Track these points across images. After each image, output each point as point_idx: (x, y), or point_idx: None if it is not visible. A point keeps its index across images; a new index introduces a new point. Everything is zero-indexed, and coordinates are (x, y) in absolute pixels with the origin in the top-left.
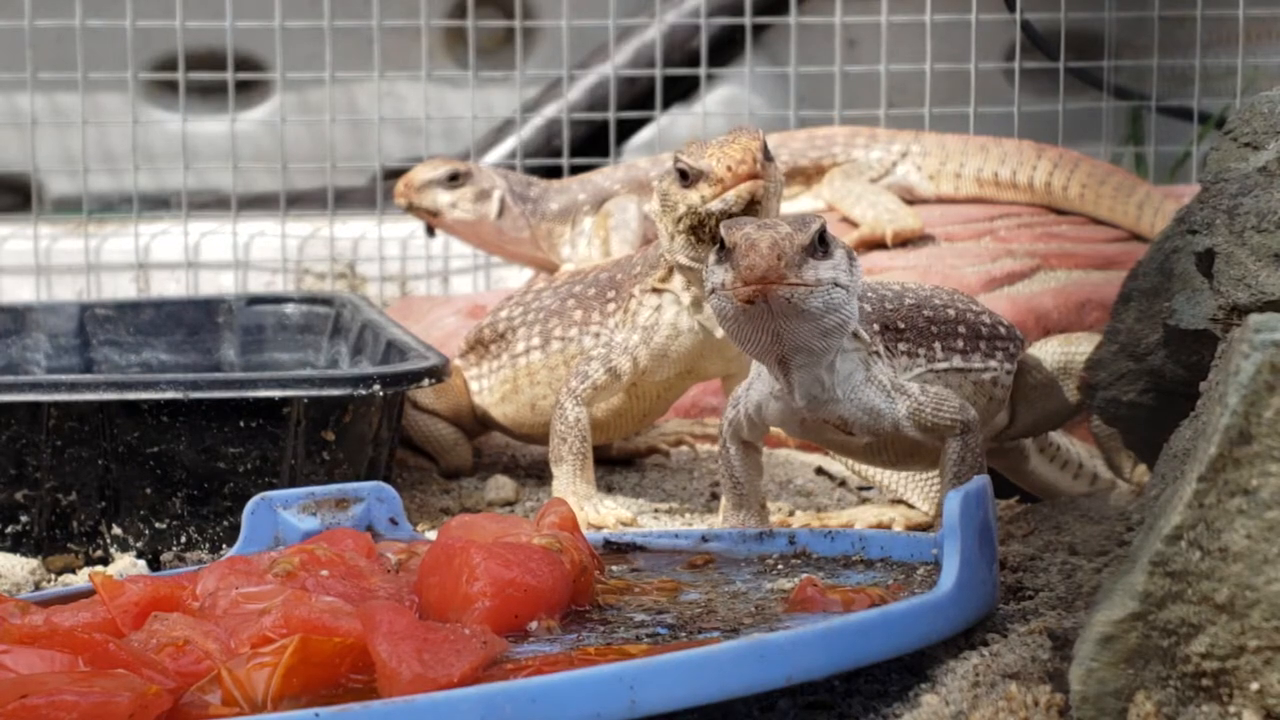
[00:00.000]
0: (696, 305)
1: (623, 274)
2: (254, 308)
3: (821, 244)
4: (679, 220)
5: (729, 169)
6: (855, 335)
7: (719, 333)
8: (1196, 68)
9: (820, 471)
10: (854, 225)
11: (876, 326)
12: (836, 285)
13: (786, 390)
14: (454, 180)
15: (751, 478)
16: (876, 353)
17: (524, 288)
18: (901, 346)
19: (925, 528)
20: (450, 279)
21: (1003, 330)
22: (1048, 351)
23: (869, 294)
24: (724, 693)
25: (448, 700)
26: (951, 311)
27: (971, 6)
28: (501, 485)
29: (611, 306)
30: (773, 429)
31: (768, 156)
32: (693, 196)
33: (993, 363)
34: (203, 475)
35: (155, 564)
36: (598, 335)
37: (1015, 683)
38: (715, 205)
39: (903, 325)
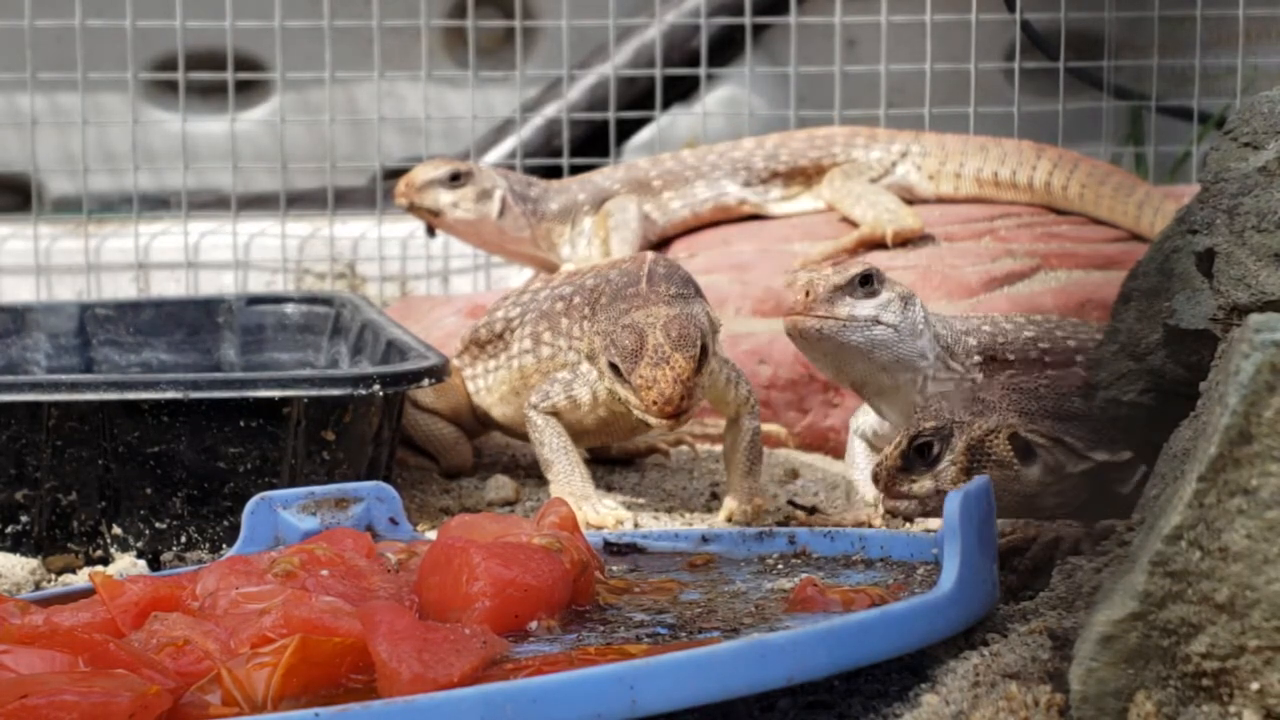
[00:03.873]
0: None
1: (596, 289)
2: (254, 308)
3: (864, 285)
4: (611, 393)
5: (655, 403)
6: (947, 366)
7: None
8: (1196, 68)
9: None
10: (854, 225)
11: (978, 358)
12: (878, 323)
13: (879, 415)
14: (455, 180)
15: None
16: (973, 380)
17: (521, 288)
18: (1009, 373)
19: None
20: (450, 279)
21: None
22: None
23: (984, 327)
24: (725, 693)
25: (448, 700)
26: (1073, 343)
27: (971, 6)
28: (501, 485)
29: (587, 324)
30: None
31: (702, 363)
32: (621, 391)
33: None
34: (203, 475)
35: (155, 564)
36: (576, 352)
37: (1015, 682)
38: (638, 415)
39: (1011, 357)
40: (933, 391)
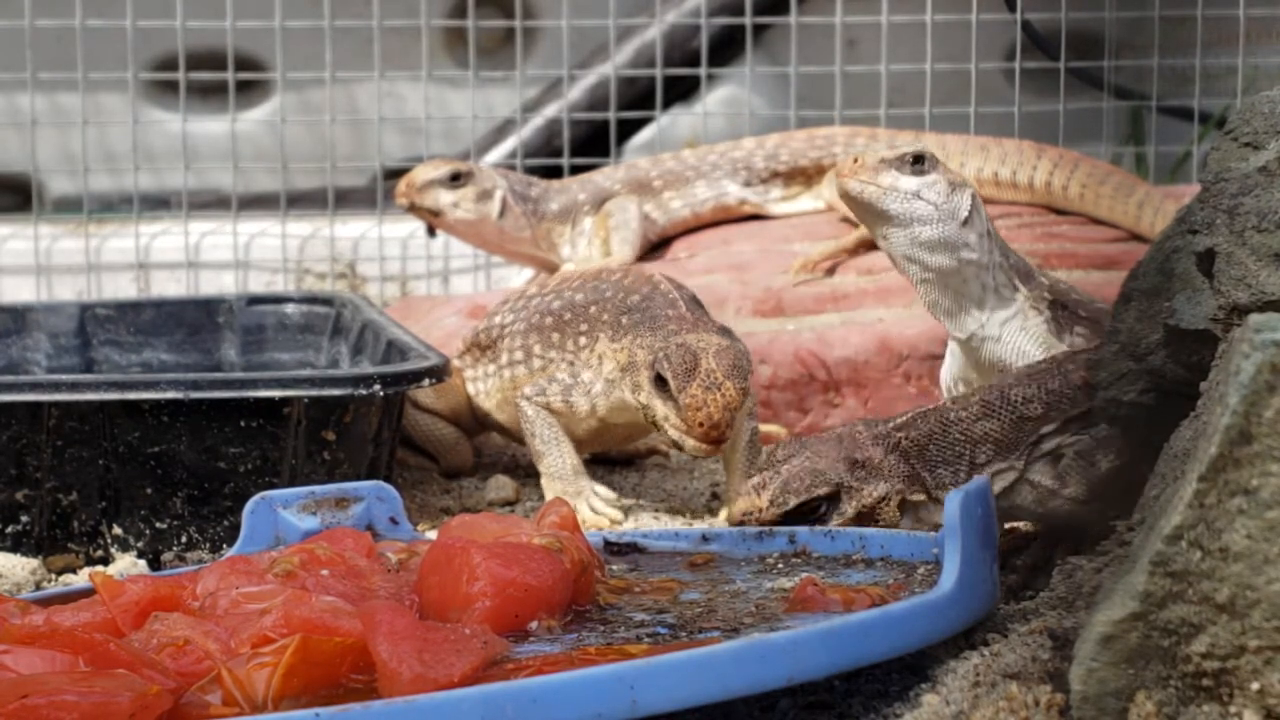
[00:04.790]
0: None
1: (596, 305)
2: (254, 308)
3: (915, 164)
4: (644, 408)
5: (700, 425)
6: (1015, 288)
7: None
8: (1196, 68)
9: None
10: (854, 225)
11: (1049, 297)
12: (919, 198)
13: (931, 314)
14: (456, 180)
15: None
16: (1038, 310)
17: (519, 290)
18: (1079, 329)
19: None
20: (450, 279)
21: None
22: None
23: (1060, 283)
24: (725, 693)
25: (448, 700)
26: None
27: (971, 6)
28: (502, 485)
29: (583, 340)
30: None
31: (745, 387)
32: (659, 408)
33: None
34: (203, 475)
35: (155, 564)
36: (572, 364)
37: (1016, 682)
38: (674, 435)
39: (1083, 314)
40: (994, 307)
